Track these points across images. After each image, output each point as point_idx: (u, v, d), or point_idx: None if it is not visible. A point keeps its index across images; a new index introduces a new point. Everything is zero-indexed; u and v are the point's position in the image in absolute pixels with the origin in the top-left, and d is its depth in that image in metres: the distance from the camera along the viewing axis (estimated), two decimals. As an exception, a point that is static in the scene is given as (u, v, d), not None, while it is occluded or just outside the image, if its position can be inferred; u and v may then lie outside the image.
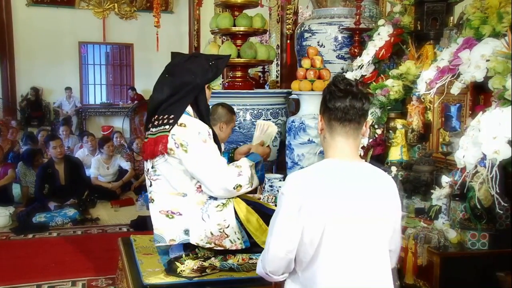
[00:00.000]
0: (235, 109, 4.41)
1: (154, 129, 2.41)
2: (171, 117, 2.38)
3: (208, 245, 2.43)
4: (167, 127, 2.36)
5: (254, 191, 2.95)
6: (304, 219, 1.58)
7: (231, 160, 2.69)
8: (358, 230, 1.60)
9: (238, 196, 2.52)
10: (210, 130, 2.44)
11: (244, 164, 2.49)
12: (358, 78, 3.78)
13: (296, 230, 1.60)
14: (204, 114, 2.50)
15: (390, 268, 1.69)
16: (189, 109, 2.47)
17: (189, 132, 2.36)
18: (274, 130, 2.84)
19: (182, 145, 2.34)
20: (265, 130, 2.80)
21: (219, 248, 2.44)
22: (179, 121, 2.38)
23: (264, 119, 4.59)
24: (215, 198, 2.46)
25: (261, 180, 2.55)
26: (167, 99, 2.41)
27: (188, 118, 2.43)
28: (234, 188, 2.41)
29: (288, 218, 1.61)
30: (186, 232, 2.43)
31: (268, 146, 2.75)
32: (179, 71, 2.46)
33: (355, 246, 1.60)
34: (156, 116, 2.42)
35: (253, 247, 2.48)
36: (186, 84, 2.43)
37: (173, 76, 2.46)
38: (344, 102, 1.61)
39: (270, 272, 1.69)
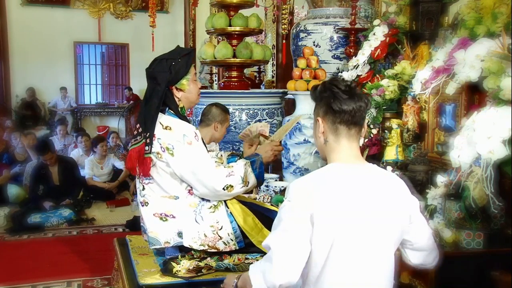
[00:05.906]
0: (230, 109, 4.42)
1: (132, 140, 2.43)
2: (139, 128, 2.38)
3: (201, 247, 2.41)
4: (138, 138, 2.37)
5: (250, 191, 2.92)
6: (315, 227, 1.53)
7: None
8: (370, 237, 1.58)
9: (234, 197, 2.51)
10: (197, 131, 2.41)
11: (237, 164, 2.45)
12: (354, 78, 3.78)
13: (305, 238, 1.53)
14: (181, 117, 2.44)
15: (392, 272, 1.68)
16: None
17: (174, 135, 2.34)
18: (255, 126, 2.84)
19: (168, 148, 2.33)
20: (253, 133, 2.79)
21: (212, 250, 2.43)
22: (165, 124, 2.35)
23: (259, 120, 4.59)
24: (208, 200, 2.44)
25: (260, 179, 2.48)
26: (143, 107, 2.44)
27: (174, 120, 2.39)
28: (224, 189, 2.36)
29: (297, 225, 1.53)
30: (180, 234, 2.41)
31: (260, 142, 2.69)
32: (147, 78, 2.45)
33: (365, 252, 1.58)
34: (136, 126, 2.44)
35: (249, 247, 2.47)
36: (150, 91, 2.41)
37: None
38: (350, 105, 1.58)
39: (281, 285, 1.54)
